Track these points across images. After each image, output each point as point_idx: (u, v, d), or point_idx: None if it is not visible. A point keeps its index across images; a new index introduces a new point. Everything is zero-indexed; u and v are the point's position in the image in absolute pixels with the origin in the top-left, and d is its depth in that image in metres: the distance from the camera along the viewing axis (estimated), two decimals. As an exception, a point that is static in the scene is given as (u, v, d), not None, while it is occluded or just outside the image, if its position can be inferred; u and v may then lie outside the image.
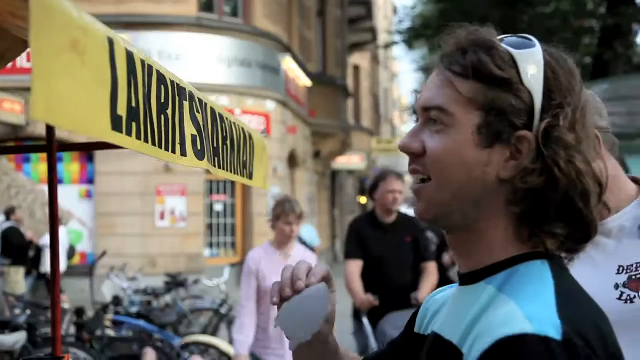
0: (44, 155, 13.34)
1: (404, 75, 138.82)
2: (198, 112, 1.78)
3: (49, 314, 7.79)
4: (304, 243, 10.07)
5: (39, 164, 13.73)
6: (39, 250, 11.40)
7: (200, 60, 14.12)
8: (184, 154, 1.64)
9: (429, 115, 1.11)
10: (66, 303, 9.10)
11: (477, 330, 1.00)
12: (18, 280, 11.06)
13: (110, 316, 7.23)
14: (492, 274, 1.07)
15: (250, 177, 2.35)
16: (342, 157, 26.93)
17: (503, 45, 1.07)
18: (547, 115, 1.03)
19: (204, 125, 1.82)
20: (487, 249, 1.08)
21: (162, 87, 1.56)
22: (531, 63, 1.05)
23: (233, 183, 14.86)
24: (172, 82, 1.64)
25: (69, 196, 13.17)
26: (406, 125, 71.59)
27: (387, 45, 23.86)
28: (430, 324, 1.25)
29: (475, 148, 1.05)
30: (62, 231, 11.57)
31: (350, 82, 28.93)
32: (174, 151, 1.58)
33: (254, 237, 14.78)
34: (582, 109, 1.05)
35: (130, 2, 13.93)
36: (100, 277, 9.48)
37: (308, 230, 12.46)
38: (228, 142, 2.07)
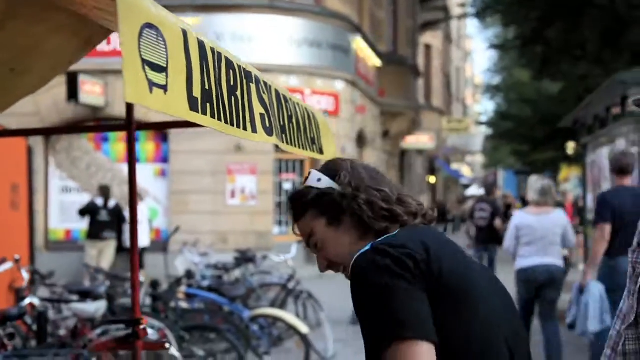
0: (121, 136, 13.84)
1: (477, 54, 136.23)
2: (264, 93, 1.92)
3: (126, 285, 8.18)
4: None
5: (116, 144, 14.24)
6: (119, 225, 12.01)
7: (271, 41, 14.33)
8: (254, 130, 1.78)
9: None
10: (142, 276, 9.50)
11: None
12: (111, 254, 11.76)
13: (183, 289, 7.53)
14: None
15: (321, 151, 2.48)
16: (411, 136, 26.85)
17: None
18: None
19: (270, 105, 1.96)
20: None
21: (231, 71, 1.71)
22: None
23: (302, 162, 15.08)
24: (239, 67, 1.78)
25: (144, 174, 13.63)
26: (478, 104, 70.46)
27: (460, 17, 23.58)
28: None
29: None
30: (144, 207, 12.10)
31: (421, 61, 28.74)
32: (245, 128, 1.72)
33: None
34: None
35: (203, -15, 14.24)
36: (173, 253, 9.86)
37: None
38: (294, 121, 2.20)
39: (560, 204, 11.79)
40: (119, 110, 13.59)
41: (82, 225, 12.79)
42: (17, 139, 10.43)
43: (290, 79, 14.34)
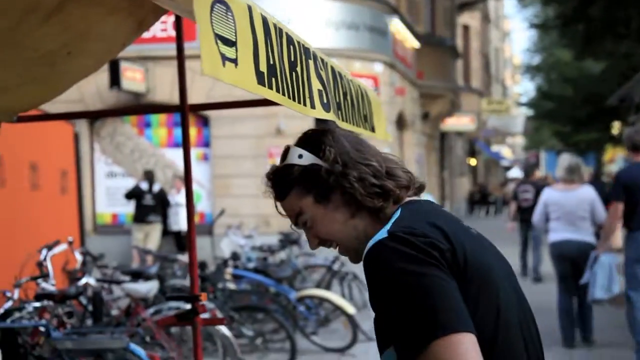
0: (163, 121, 14.02)
1: (516, 34, 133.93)
2: (321, 69, 1.96)
3: (175, 266, 8.34)
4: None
5: (158, 129, 14.44)
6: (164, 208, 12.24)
7: (309, 24, 14.33)
8: (313, 106, 1.82)
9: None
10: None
11: None
12: (157, 237, 12.00)
13: (229, 270, 7.65)
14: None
15: (373, 129, 2.51)
16: (450, 118, 26.64)
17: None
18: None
19: (327, 81, 2.00)
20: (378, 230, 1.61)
21: (291, 47, 1.75)
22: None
23: (342, 145, 15.09)
24: (299, 43, 1.82)
25: (187, 159, 13.78)
26: (518, 85, 69.46)
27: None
28: None
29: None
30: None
31: (459, 42, 28.43)
32: (304, 104, 1.77)
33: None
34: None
35: (241, -30, 14.28)
36: (218, 235, 10.00)
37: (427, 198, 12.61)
38: (348, 98, 2.24)
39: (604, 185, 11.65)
40: (160, 96, 13.77)
41: (128, 209, 13.04)
42: (65, 127, 10.66)
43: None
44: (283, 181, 1.70)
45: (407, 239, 1.46)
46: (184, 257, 8.90)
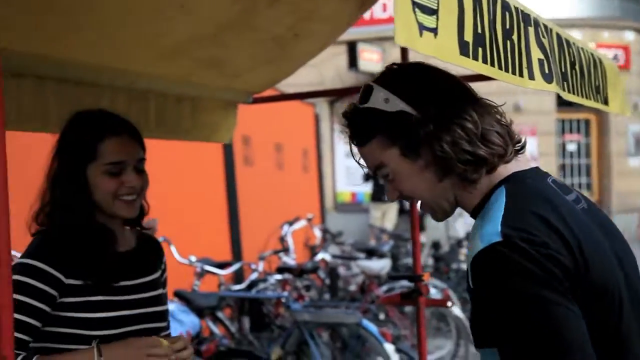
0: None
1: None
2: (543, 37, 1.81)
3: (408, 245, 8.41)
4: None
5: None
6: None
7: (551, -6, 13.60)
8: (531, 77, 1.69)
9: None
10: (423, 238, 9.70)
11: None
12: (394, 216, 12.25)
13: (464, 251, 7.55)
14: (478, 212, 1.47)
15: (605, 102, 2.29)
16: None
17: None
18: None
19: (550, 50, 1.85)
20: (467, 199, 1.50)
21: (507, 13, 1.63)
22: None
23: (587, 122, 14.17)
24: (516, 9, 1.69)
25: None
26: None
27: None
28: None
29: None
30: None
31: None
32: (521, 75, 1.64)
33: (613, 178, 14.00)
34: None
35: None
36: (453, 216, 9.89)
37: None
38: (577, 67, 2.06)
39: None
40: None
41: (366, 188, 13.38)
42: (306, 108, 11.20)
43: (571, 32, 13.48)
44: (365, 126, 1.47)
45: (527, 250, 1.26)
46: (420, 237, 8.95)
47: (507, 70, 1.58)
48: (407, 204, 12.36)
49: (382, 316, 6.08)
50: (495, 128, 1.48)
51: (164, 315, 2.06)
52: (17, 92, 2.33)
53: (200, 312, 4.51)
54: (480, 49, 1.45)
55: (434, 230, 11.19)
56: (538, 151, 13.77)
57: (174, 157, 6.11)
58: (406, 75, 1.48)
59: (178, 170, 6.38)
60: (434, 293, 5.88)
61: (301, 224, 6.70)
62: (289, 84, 4.36)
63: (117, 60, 2.54)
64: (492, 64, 1.51)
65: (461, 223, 9.30)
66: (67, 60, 2.40)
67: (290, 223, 6.52)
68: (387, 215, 12.27)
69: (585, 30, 13.90)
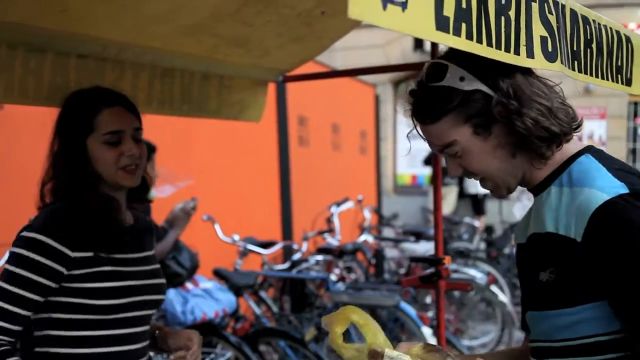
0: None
1: None
2: (550, 13, 1.73)
3: (462, 229, 8.29)
4: None
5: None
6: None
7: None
8: (530, 55, 1.61)
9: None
10: (479, 222, 9.53)
11: (572, 215, 1.40)
12: (453, 200, 12.09)
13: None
14: (554, 179, 1.51)
15: (628, 83, 2.18)
16: None
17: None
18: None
19: (558, 26, 1.76)
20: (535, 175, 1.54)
21: (504, -11, 1.55)
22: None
23: (662, 105, 13.61)
24: (515, -16, 1.62)
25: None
26: None
27: None
28: (525, 232, 1.58)
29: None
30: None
31: None
32: (517, 52, 1.57)
33: (686, 165, 13.41)
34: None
35: None
36: (511, 200, 9.70)
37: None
38: (593, 45, 1.95)
39: None
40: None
41: (427, 170, 13.24)
42: (366, 89, 11.10)
43: (610, 12, 12.92)
44: (436, 104, 1.47)
45: None
46: (473, 221, 8.78)
47: (498, 48, 1.51)
48: (468, 188, 12.20)
49: (428, 299, 6.02)
50: (561, 106, 1.52)
51: (163, 288, 2.12)
52: (38, 68, 2.37)
53: (237, 290, 4.55)
54: (463, 25, 1.39)
55: (491, 216, 11.01)
56: (608, 135, 13.32)
57: (229, 138, 6.17)
58: (480, 57, 1.43)
59: (232, 150, 6.44)
60: (479, 277, 5.79)
61: (348, 205, 6.67)
62: (351, 65, 4.30)
63: (139, 37, 2.55)
64: (479, 41, 1.44)
65: (519, 207, 9.10)
66: (88, 36, 2.43)
67: (338, 204, 6.49)
68: (447, 199, 12.11)
69: (621, 10, 13.28)
